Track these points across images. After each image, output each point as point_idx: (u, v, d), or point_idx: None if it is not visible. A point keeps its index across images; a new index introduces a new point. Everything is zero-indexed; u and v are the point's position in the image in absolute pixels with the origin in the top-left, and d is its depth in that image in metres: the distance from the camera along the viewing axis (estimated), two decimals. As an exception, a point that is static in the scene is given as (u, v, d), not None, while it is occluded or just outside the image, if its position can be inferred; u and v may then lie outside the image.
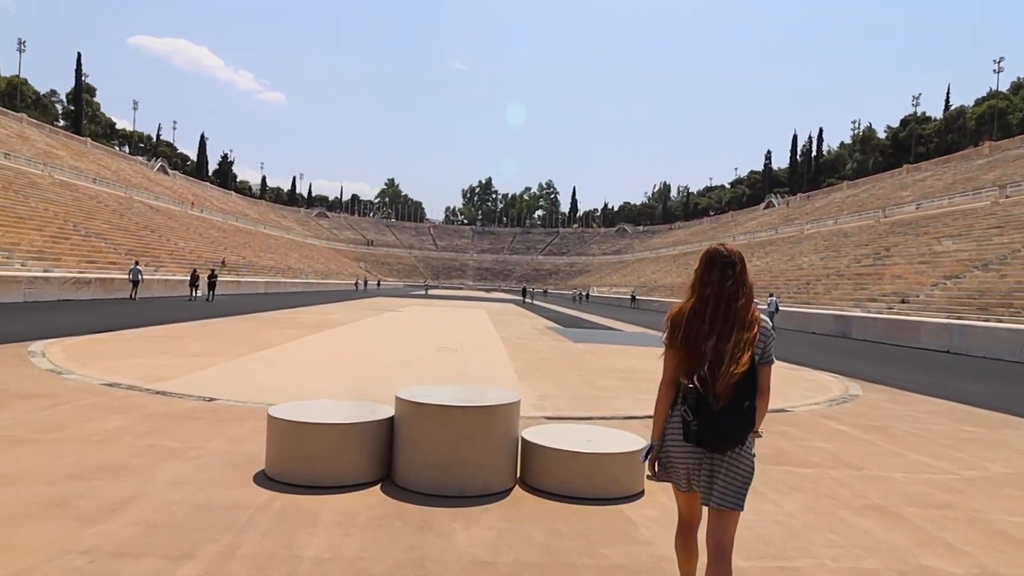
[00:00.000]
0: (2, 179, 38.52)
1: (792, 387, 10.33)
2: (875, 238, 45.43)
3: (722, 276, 2.50)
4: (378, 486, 4.44)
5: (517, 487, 4.56)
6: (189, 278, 31.88)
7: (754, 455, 2.58)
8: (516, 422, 4.64)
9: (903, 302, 28.41)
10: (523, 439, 4.70)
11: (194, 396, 7.26)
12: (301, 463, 4.38)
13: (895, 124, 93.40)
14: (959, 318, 22.69)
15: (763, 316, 2.55)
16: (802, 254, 51.84)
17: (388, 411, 4.74)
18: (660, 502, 4.38)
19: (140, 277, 28.97)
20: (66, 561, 3.11)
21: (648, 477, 2.71)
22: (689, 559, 2.77)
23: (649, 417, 7.35)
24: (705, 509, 2.60)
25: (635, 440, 4.77)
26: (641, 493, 4.53)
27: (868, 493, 4.82)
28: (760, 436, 2.64)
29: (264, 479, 4.46)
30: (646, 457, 2.65)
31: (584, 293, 74.66)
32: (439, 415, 4.34)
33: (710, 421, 2.42)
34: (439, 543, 3.55)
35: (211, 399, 7.16)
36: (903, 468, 5.63)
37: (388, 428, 4.61)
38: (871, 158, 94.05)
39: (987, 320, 21.69)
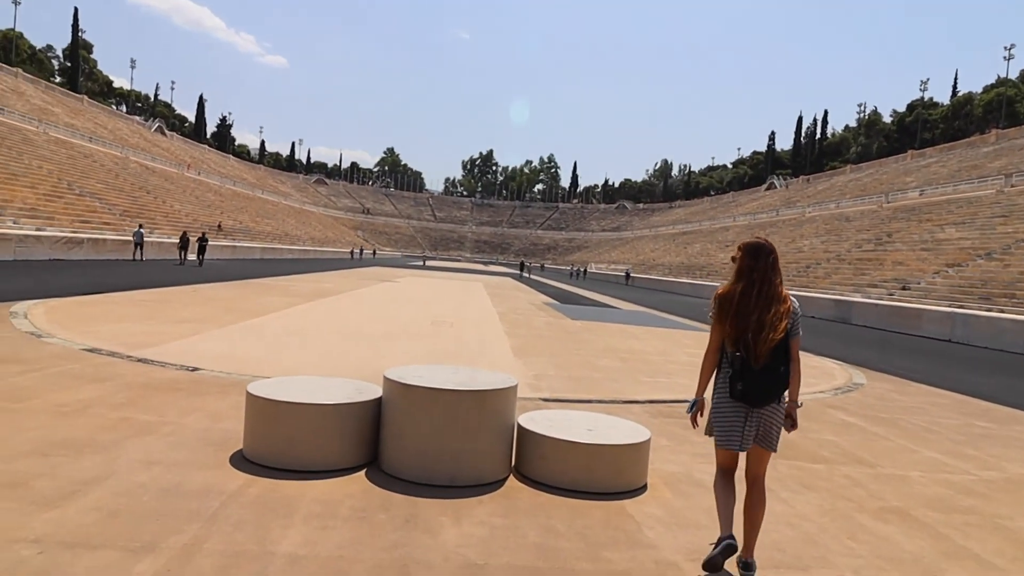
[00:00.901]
0: (-6, 134, 37.81)
1: (796, 374, 10.05)
2: (877, 223, 45.02)
3: (764, 262, 3.11)
4: (363, 472, 4.14)
5: (511, 477, 4.26)
6: (178, 241, 30.63)
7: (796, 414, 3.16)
8: (512, 408, 4.32)
9: (904, 288, 28.13)
10: (519, 426, 4.39)
11: (176, 365, 6.94)
12: (281, 445, 4.07)
13: (901, 109, 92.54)
14: (960, 307, 22.42)
15: (792, 297, 3.14)
16: (803, 237, 51.44)
17: (376, 391, 4.43)
18: (664, 499, 4.09)
19: (143, 239, 29.49)
20: (12, 552, 2.80)
21: (696, 428, 3.29)
22: (728, 498, 3.17)
23: (650, 402, 7.04)
24: (741, 455, 3.21)
25: (639, 430, 4.47)
26: (644, 488, 4.23)
27: (885, 494, 4.54)
28: (800, 406, 3.18)
29: (241, 460, 4.15)
30: (691, 409, 3.20)
31: (582, 269, 74.25)
32: (429, 398, 4.02)
33: (753, 381, 3.01)
34: (425, 541, 3.25)
35: (194, 369, 6.84)
36: (918, 466, 5.35)
37: (375, 410, 4.30)
38: (876, 142, 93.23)
39: (990, 310, 21.43)
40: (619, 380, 8.39)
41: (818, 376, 10.03)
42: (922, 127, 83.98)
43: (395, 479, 4.04)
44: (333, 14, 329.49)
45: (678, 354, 11.50)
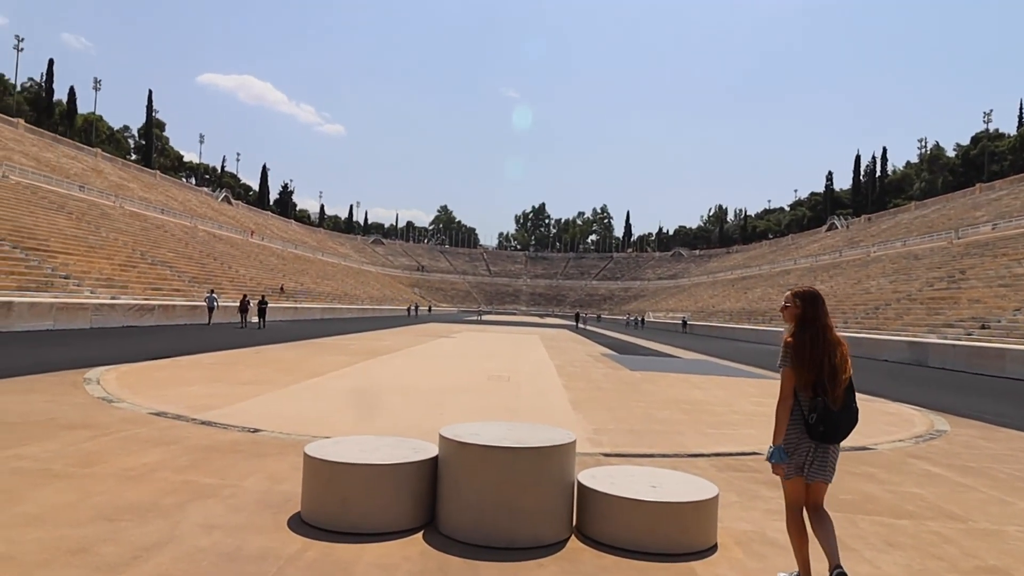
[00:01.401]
0: (76, 210, 40.30)
1: (871, 421, 9.54)
2: (948, 260, 43.20)
3: (822, 309, 3.37)
4: (420, 534, 4.05)
5: (573, 538, 4.10)
6: (239, 305, 31.26)
7: None
8: (571, 464, 4.19)
9: (983, 328, 26.70)
10: (579, 483, 4.24)
11: (238, 427, 7.04)
12: (337, 507, 4.03)
13: (964, 142, 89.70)
14: (1048, 345, 21.10)
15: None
16: (869, 277, 49.73)
17: (432, 450, 4.37)
18: (736, 559, 3.86)
19: (216, 304, 31.07)
20: (74, 621, 2.81)
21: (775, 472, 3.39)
22: (803, 538, 3.37)
23: (716, 455, 6.75)
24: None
25: (706, 486, 4.26)
26: (714, 548, 4.01)
27: (979, 552, 4.18)
28: None
29: (299, 523, 4.12)
30: (775, 458, 3.29)
31: (640, 318, 73.32)
32: (484, 456, 3.93)
33: (835, 422, 3.22)
34: (485, 607, 3.12)
35: (255, 430, 6.93)
36: (1015, 520, 4.93)
37: (431, 469, 4.23)
38: (940, 177, 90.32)
39: (1080, 347, 20.09)
40: (682, 432, 8.10)
41: (896, 423, 9.49)
42: (989, 159, 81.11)
43: (453, 541, 3.93)
44: (386, 81, 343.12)
45: (743, 403, 11.09)
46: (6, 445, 5.73)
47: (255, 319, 31.28)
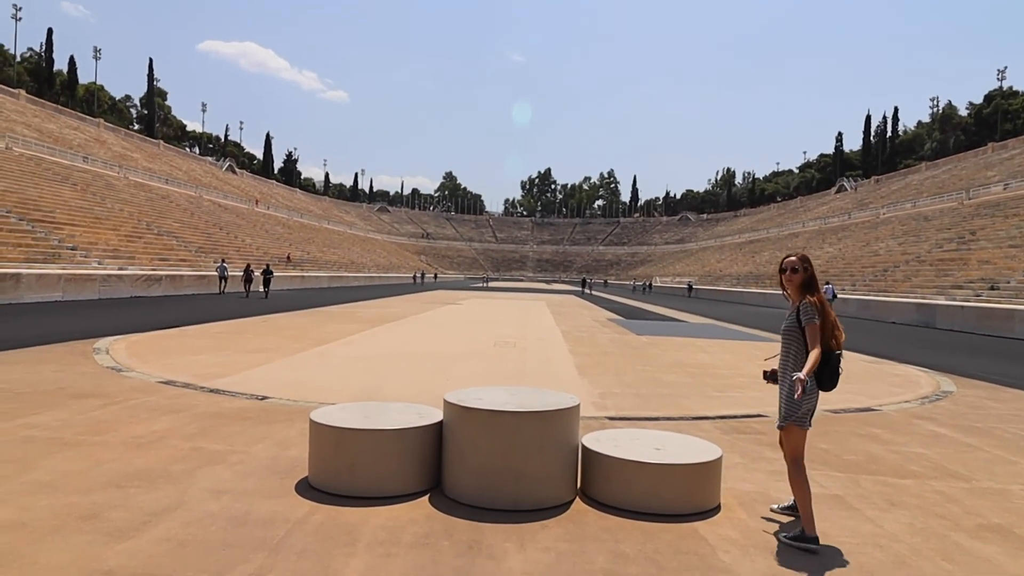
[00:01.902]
0: (81, 181, 40.27)
1: (878, 383, 9.55)
2: (958, 221, 42.78)
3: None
4: (426, 497, 4.09)
5: (577, 500, 4.14)
6: (243, 275, 30.72)
7: None
8: (575, 428, 4.21)
9: (992, 288, 26.55)
10: (584, 447, 4.27)
11: (246, 394, 7.10)
12: (344, 471, 4.07)
13: (978, 100, 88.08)
14: (1057, 305, 20.98)
15: None
16: (878, 239, 49.36)
17: (437, 415, 4.39)
18: (739, 519, 3.89)
19: (227, 273, 31.35)
20: (85, 584, 2.86)
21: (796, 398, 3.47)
22: (810, 491, 3.58)
23: (721, 417, 6.79)
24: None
25: (710, 448, 4.28)
26: (717, 508, 4.04)
27: (983, 510, 4.19)
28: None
29: (306, 488, 4.17)
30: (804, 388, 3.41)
31: (648, 283, 73.16)
32: (489, 421, 3.95)
33: (838, 370, 3.57)
34: (489, 567, 3.16)
35: (263, 397, 6.99)
36: (1019, 479, 4.94)
37: (436, 434, 4.25)
38: (952, 137, 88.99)
39: (1090, 307, 19.97)
40: (688, 396, 8.13)
41: (902, 384, 9.49)
42: (1002, 118, 79.73)
43: (458, 504, 3.98)
44: (389, 46, 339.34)
45: (749, 367, 11.10)
46: (17, 414, 5.80)
47: (262, 289, 31.23)
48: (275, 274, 33.19)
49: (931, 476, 4.93)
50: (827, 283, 29.38)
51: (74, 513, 3.63)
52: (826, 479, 4.75)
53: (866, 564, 3.32)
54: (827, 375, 3.52)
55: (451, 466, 4.13)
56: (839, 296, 30.28)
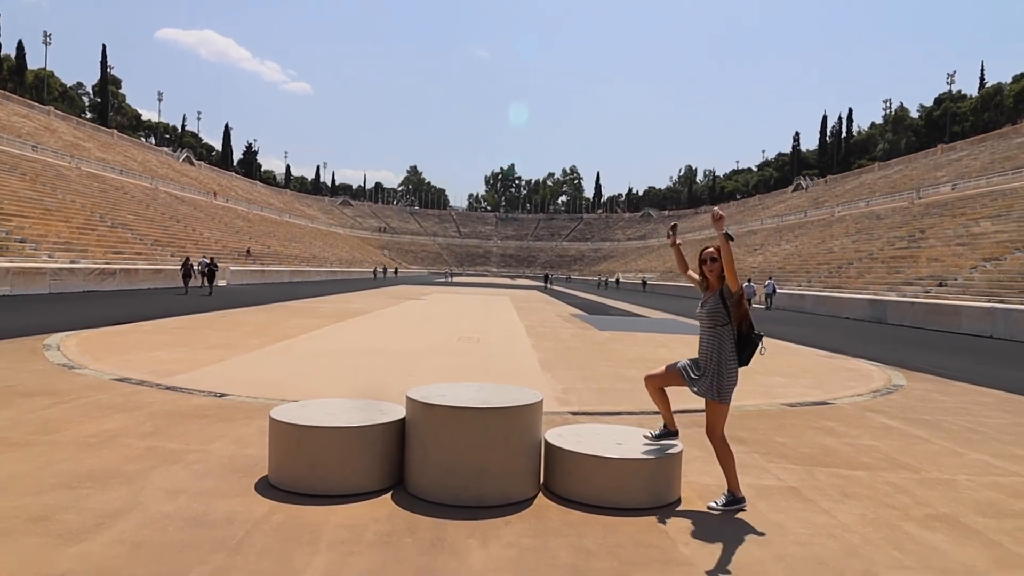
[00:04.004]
0: (30, 171, 38.91)
1: (832, 377, 9.80)
2: (909, 220, 44.09)
3: None
4: (389, 495, 4.07)
5: (540, 495, 4.16)
6: (181, 270, 26.77)
7: None
8: (538, 424, 4.23)
9: (940, 285, 27.45)
10: (547, 442, 4.29)
11: (204, 392, 6.97)
12: (304, 470, 4.02)
13: (928, 103, 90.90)
14: (1001, 302, 21.78)
15: None
16: (833, 237, 50.59)
17: (399, 411, 4.37)
18: (698, 512, 3.95)
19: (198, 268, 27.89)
20: (36, 588, 2.78)
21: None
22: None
23: (681, 412, 6.82)
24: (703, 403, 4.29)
25: (669, 444, 4.34)
26: (678, 502, 4.10)
27: (931, 500, 4.34)
28: None
29: (266, 487, 4.11)
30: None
31: (614, 279, 73.63)
32: (452, 417, 3.94)
33: (759, 350, 4.14)
34: (453, 565, 3.16)
35: (221, 395, 6.86)
36: (965, 469, 5.13)
37: (399, 431, 4.23)
38: (903, 138, 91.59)
39: (1032, 304, 20.76)
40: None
41: (855, 378, 9.76)
42: (951, 120, 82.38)
43: (421, 501, 3.97)
44: (354, 38, 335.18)
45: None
46: (-38, 413, 5.59)
47: (202, 284, 28.08)
48: (220, 268, 29.98)
49: (882, 468, 5.08)
50: (769, 278, 30.09)
51: (24, 515, 3.51)
52: (782, 472, 4.87)
53: (820, 554, 3.41)
54: (748, 353, 4.04)
55: (414, 463, 4.11)
56: (808, 294, 30.85)
